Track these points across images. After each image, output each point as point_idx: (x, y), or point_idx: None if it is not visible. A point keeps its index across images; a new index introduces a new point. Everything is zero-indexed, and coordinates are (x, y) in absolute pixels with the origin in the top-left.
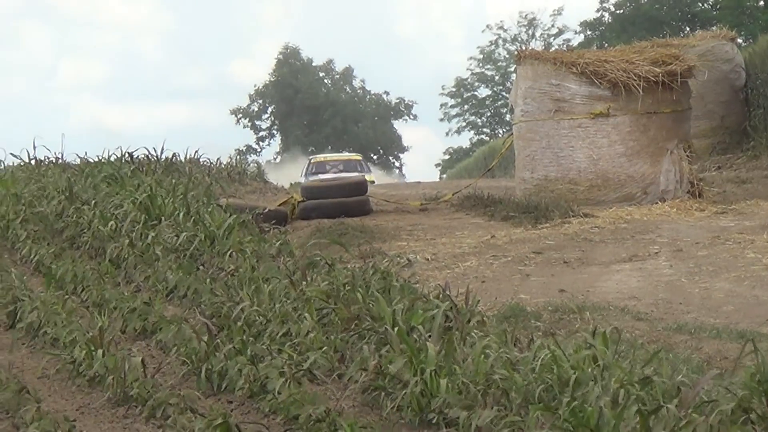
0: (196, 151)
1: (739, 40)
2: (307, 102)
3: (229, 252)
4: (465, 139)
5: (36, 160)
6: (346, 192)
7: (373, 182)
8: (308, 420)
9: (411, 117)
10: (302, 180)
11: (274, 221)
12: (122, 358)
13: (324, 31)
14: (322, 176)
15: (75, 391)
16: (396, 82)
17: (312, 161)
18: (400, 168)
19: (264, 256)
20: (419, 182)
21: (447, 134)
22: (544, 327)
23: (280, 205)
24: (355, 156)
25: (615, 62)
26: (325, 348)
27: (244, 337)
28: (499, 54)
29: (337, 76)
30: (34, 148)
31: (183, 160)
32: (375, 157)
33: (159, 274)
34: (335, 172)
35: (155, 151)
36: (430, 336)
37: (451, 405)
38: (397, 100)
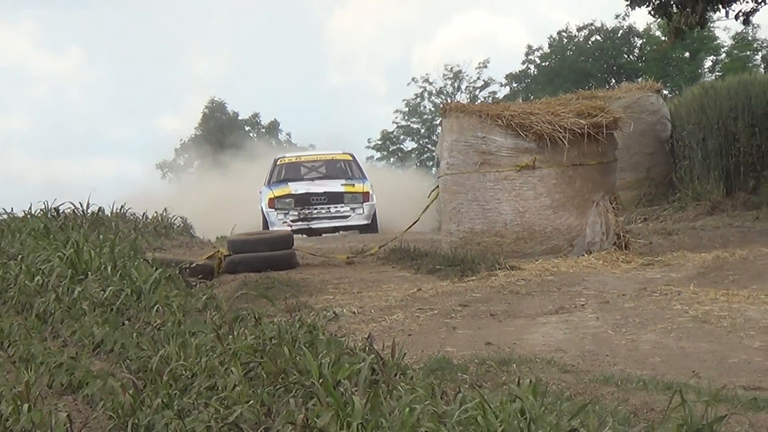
0: (123, 206)
1: (665, 92)
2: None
3: (156, 306)
4: None
5: None
6: (272, 246)
7: (366, 194)
8: None
9: None
10: (264, 190)
11: (200, 275)
12: (49, 413)
13: (250, 84)
14: (293, 185)
15: None
16: (322, 134)
17: (279, 162)
18: None
19: (190, 310)
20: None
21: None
22: (471, 380)
23: (206, 259)
24: (343, 155)
25: (540, 114)
26: (251, 402)
27: (171, 391)
28: (425, 107)
29: (263, 130)
30: None
31: (109, 214)
32: None
33: (86, 328)
34: (314, 179)
35: (81, 205)
36: (356, 389)
37: None
38: None
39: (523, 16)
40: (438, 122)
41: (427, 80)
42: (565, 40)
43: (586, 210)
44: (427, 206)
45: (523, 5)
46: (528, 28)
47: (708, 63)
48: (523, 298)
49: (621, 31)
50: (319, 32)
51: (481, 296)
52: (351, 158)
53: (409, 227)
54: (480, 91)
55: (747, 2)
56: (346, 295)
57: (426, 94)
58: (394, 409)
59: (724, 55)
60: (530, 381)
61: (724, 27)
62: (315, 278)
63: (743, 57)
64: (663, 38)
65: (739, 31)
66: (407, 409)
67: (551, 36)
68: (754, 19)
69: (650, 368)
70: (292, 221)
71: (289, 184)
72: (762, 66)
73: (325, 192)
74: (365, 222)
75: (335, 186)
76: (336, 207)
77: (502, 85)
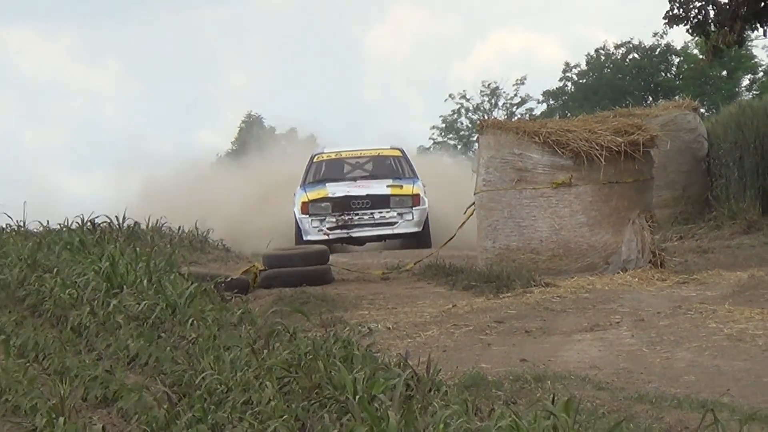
0: (159, 220)
1: (702, 110)
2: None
3: (191, 320)
4: None
5: None
6: (307, 261)
7: (416, 197)
8: None
9: None
10: (298, 192)
11: (235, 290)
12: (83, 426)
13: (287, 99)
14: (331, 187)
15: None
16: None
17: (316, 159)
18: None
19: (225, 324)
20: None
21: None
22: (505, 396)
23: (241, 274)
24: (391, 150)
25: (577, 132)
26: (286, 417)
27: (205, 405)
28: (462, 123)
29: (300, 145)
30: None
31: (145, 228)
32: None
33: (120, 342)
34: (356, 180)
35: (117, 219)
36: (391, 405)
37: None
38: None
39: (561, 33)
40: (475, 138)
41: (464, 96)
42: (603, 58)
43: (622, 228)
44: (463, 222)
45: (560, 22)
46: (565, 45)
47: (745, 82)
48: (558, 315)
49: (659, 49)
50: (356, 47)
51: (516, 313)
52: (401, 154)
53: (446, 243)
54: (517, 108)
55: None
56: (381, 311)
57: (463, 111)
58: (428, 425)
59: (761, 73)
60: (564, 398)
61: (762, 46)
62: (350, 293)
63: None
64: (701, 56)
65: None
66: (442, 425)
67: (589, 53)
68: None
69: (685, 386)
70: (329, 229)
71: (326, 185)
72: None
73: (368, 195)
74: (415, 229)
75: (380, 187)
76: (381, 212)
77: (539, 102)
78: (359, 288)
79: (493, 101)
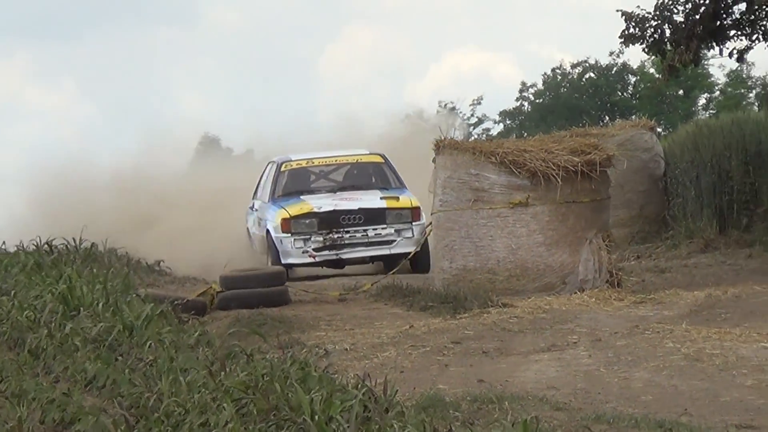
0: (104, 241)
1: (659, 130)
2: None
3: (148, 342)
4: None
5: None
6: (264, 282)
7: (416, 210)
8: None
9: None
10: (266, 208)
11: (192, 311)
12: None
13: (243, 121)
14: (313, 200)
15: None
16: None
17: (284, 168)
18: None
19: (182, 346)
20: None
21: None
22: (463, 417)
23: (199, 295)
24: (372, 156)
25: (534, 152)
26: None
27: (163, 427)
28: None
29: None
30: None
31: (102, 250)
32: None
33: (78, 364)
34: (336, 191)
35: (74, 240)
36: (348, 426)
37: None
38: None
39: (517, 53)
40: (432, 159)
41: (420, 117)
42: (559, 77)
43: (579, 247)
44: (421, 243)
45: (515, 42)
46: (521, 65)
47: (702, 101)
48: (515, 335)
49: (615, 69)
50: (311, 69)
51: (474, 333)
52: (383, 160)
53: (401, 264)
54: (474, 128)
55: (741, 40)
56: (338, 332)
57: (419, 132)
58: None
59: (718, 92)
60: (522, 419)
61: (719, 65)
62: (307, 315)
63: (737, 95)
64: (657, 76)
65: (734, 68)
66: None
67: (545, 73)
68: (749, 56)
69: (642, 406)
70: (316, 250)
71: (304, 198)
72: (756, 104)
73: (360, 209)
74: (415, 248)
75: (372, 200)
76: (375, 229)
77: (495, 122)
78: (316, 309)
79: (449, 122)
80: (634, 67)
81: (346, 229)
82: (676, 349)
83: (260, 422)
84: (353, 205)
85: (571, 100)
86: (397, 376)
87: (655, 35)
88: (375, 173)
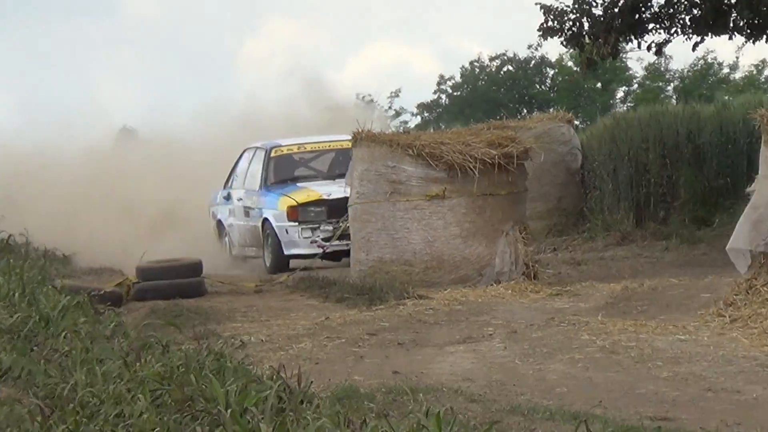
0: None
1: (576, 122)
2: None
3: (64, 333)
4: None
5: None
6: (181, 273)
7: None
8: None
9: None
10: (265, 196)
11: (109, 302)
12: None
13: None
14: (318, 187)
15: None
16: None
17: (275, 153)
18: None
19: (98, 337)
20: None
21: None
22: (378, 408)
23: (115, 286)
24: None
25: (451, 144)
26: (158, 429)
27: (78, 418)
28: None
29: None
30: None
31: (19, 242)
32: None
33: None
34: (335, 178)
35: None
36: (263, 417)
37: None
38: None
39: (435, 46)
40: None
41: (338, 109)
42: (477, 70)
43: (496, 240)
44: (336, 235)
45: (433, 35)
46: (439, 58)
47: (620, 94)
48: (431, 327)
49: (533, 62)
50: (231, 60)
51: (389, 325)
52: None
53: (318, 255)
54: (391, 121)
55: (660, 33)
56: (254, 323)
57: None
58: None
59: (636, 86)
60: (437, 410)
61: (637, 58)
62: (223, 306)
63: (655, 88)
64: (575, 69)
65: (652, 62)
66: None
67: (463, 66)
68: (667, 50)
69: (557, 398)
70: (325, 240)
71: (303, 185)
72: (674, 97)
73: None
74: None
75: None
76: None
77: (413, 115)
78: (232, 300)
79: (367, 114)
80: (553, 60)
81: None
82: (591, 341)
83: (175, 413)
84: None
85: (489, 92)
86: (312, 368)
87: (573, 28)
88: None
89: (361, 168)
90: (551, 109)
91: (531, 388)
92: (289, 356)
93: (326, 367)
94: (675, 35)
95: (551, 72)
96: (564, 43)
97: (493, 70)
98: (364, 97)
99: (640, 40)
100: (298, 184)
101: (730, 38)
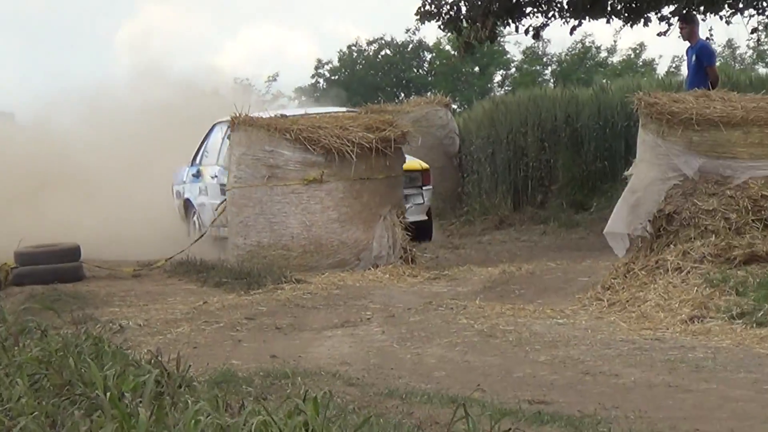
0: None
1: (454, 107)
2: None
3: None
4: None
5: None
6: (59, 258)
7: (427, 173)
8: None
9: None
10: (212, 172)
11: None
12: None
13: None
14: None
15: None
16: None
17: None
18: None
19: None
20: None
21: None
22: (256, 392)
23: None
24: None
25: (329, 128)
26: (36, 413)
27: None
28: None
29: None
30: None
31: None
32: None
33: None
34: None
35: None
36: (141, 402)
37: None
38: None
39: (312, 30)
40: (227, 135)
41: (216, 94)
42: (355, 54)
43: (374, 224)
44: (214, 219)
45: (311, 19)
46: (317, 42)
47: (498, 78)
48: (309, 311)
49: (411, 46)
50: (107, 44)
51: (267, 309)
52: None
53: (196, 240)
54: (269, 105)
55: (537, 17)
56: (132, 308)
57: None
58: (178, 421)
59: (514, 69)
60: (314, 394)
61: (515, 42)
62: (101, 291)
63: (533, 72)
64: (453, 53)
65: (530, 45)
66: (192, 422)
67: (341, 50)
68: (545, 33)
69: (435, 382)
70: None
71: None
72: (552, 81)
73: None
74: (421, 218)
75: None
76: None
77: (291, 99)
78: (111, 285)
79: (245, 98)
80: (430, 44)
81: None
82: (469, 325)
83: (54, 397)
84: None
85: (367, 77)
86: (190, 352)
87: (451, 12)
88: None
89: (238, 152)
90: (429, 93)
91: (409, 372)
92: (168, 340)
93: (204, 351)
94: (553, 19)
95: (429, 56)
96: (441, 26)
97: (371, 54)
98: (241, 81)
99: (517, 23)
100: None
101: (608, 22)
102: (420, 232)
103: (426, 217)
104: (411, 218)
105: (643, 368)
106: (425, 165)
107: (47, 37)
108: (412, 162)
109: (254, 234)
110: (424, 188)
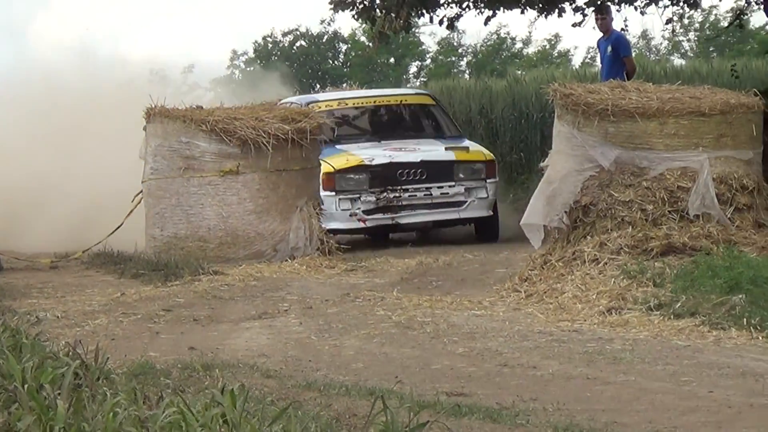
0: None
1: None
2: None
3: None
4: None
5: None
6: None
7: (491, 164)
8: None
9: None
10: None
11: None
12: None
13: None
14: (361, 151)
15: None
16: None
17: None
18: None
19: None
20: None
21: None
22: (174, 384)
23: None
24: (419, 97)
25: (245, 120)
26: None
27: None
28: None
29: None
30: None
31: None
32: None
33: None
34: (387, 140)
35: None
36: (59, 394)
37: None
38: None
39: (227, 21)
40: (142, 127)
41: (130, 85)
42: (270, 45)
43: (290, 215)
44: (131, 210)
45: (226, 10)
46: (232, 33)
47: (413, 69)
48: (226, 303)
49: (326, 37)
50: (21, 37)
51: (185, 301)
52: (434, 102)
53: (113, 231)
54: (186, 96)
55: (452, 7)
56: (50, 300)
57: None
58: (97, 413)
59: (429, 60)
60: (232, 386)
61: (430, 32)
62: (19, 282)
63: (448, 63)
64: (368, 44)
65: (445, 36)
66: (111, 414)
67: (256, 41)
68: (459, 24)
69: (353, 374)
70: (366, 212)
71: (343, 147)
72: (467, 72)
73: (423, 161)
74: (486, 213)
75: (436, 150)
76: (442, 187)
77: (207, 90)
78: (28, 276)
79: (161, 89)
80: (345, 35)
81: (404, 187)
82: (387, 316)
83: None
84: (414, 157)
85: (283, 68)
86: (108, 344)
87: (365, 2)
88: (425, 118)
89: (154, 143)
90: (344, 84)
91: (327, 364)
92: (85, 332)
93: (122, 343)
94: (467, 9)
95: (344, 47)
96: (355, 16)
97: (286, 45)
98: (157, 72)
99: (432, 14)
100: (338, 147)
101: (522, 12)
102: (484, 230)
103: (491, 213)
104: (474, 214)
105: (561, 360)
106: (490, 155)
107: None
108: (476, 151)
109: (171, 225)
110: (488, 181)
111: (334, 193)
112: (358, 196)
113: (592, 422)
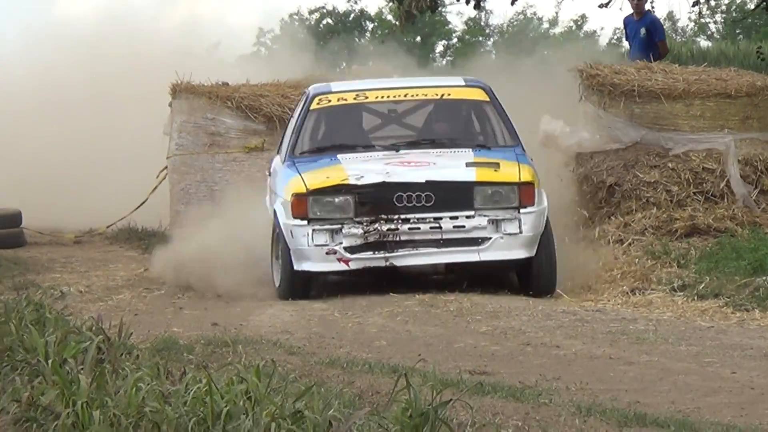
0: None
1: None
2: None
3: None
4: None
5: None
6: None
7: (528, 187)
8: None
9: None
10: (283, 171)
11: None
12: None
13: None
14: (352, 164)
15: None
16: None
17: (316, 105)
18: None
19: None
20: None
21: None
22: (197, 360)
23: None
24: (470, 89)
25: (270, 96)
26: None
27: None
28: None
29: None
30: None
31: None
32: None
33: None
34: (405, 146)
35: None
36: (82, 368)
37: None
38: None
39: None
40: (168, 103)
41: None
42: (297, 23)
43: None
44: (155, 187)
45: None
46: (259, 11)
47: (440, 48)
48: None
49: (353, 15)
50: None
51: None
52: (487, 98)
53: (137, 208)
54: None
55: None
56: (74, 274)
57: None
58: (119, 388)
59: (456, 40)
60: (256, 363)
61: (457, 12)
62: (43, 257)
63: (475, 42)
64: (395, 22)
65: (472, 16)
66: (133, 389)
67: (282, 18)
68: (486, 4)
69: (376, 351)
70: (349, 250)
71: (343, 158)
72: (493, 52)
73: (428, 182)
74: (525, 254)
75: (452, 165)
76: (456, 218)
77: (233, 67)
78: (52, 251)
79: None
80: (372, 13)
81: (403, 216)
82: (410, 295)
83: None
84: (417, 176)
85: (310, 45)
86: (131, 319)
87: None
88: (471, 118)
89: (180, 119)
90: (370, 63)
91: (350, 341)
92: (109, 307)
93: (145, 318)
94: None
95: (371, 25)
96: None
97: (313, 23)
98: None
99: None
100: (339, 156)
101: None
102: (528, 278)
103: (528, 254)
104: (500, 256)
105: (584, 340)
106: (529, 174)
107: None
108: (507, 169)
109: (195, 201)
110: (522, 211)
111: (306, 223)
112: (339, 227)
113: (615, 402)
